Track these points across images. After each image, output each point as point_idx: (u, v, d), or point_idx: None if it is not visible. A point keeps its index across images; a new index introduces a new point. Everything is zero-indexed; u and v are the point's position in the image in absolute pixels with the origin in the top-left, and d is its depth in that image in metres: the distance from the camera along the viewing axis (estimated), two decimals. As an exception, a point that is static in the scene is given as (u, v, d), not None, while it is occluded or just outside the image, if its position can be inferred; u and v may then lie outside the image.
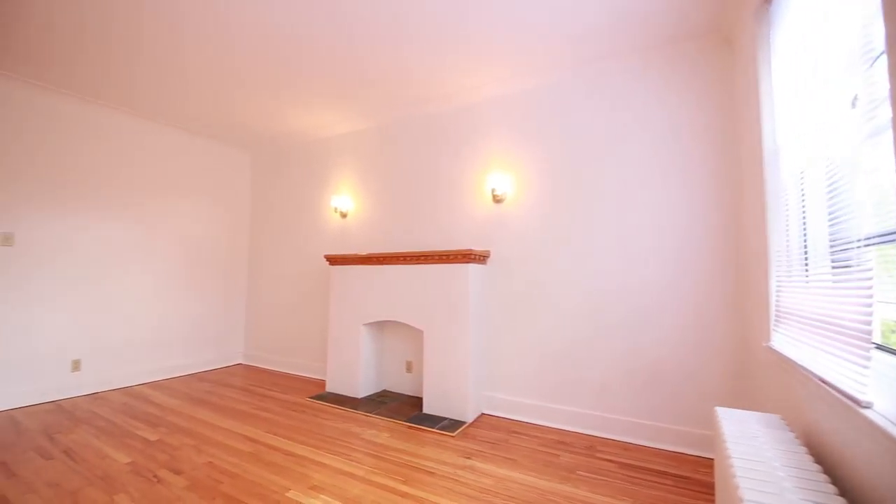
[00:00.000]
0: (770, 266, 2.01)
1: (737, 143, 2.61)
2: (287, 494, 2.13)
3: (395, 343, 4.01)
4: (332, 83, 3.52)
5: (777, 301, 1.97)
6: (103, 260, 4.03)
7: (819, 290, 1.48)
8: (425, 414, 3.31)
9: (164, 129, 4.56)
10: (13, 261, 3.45)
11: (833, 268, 1.42)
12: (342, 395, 3.83)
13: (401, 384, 3.95)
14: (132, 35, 2.84)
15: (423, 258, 3.43)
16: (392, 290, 3.63)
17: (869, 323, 1.09)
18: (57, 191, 3.72)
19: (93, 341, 3.94)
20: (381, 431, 3.00)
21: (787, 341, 1.78)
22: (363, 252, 4.18)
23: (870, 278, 1.11)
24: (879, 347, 1.14)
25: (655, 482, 2.28)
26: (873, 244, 1.11)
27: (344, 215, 4.48)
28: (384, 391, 3.99)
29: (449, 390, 3.25)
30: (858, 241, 1.19)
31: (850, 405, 1.09)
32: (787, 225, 1.85)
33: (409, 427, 3.09)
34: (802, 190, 1.71)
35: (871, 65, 1.09)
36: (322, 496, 2.11)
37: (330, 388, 3.98)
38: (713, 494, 2.13)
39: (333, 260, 4.02)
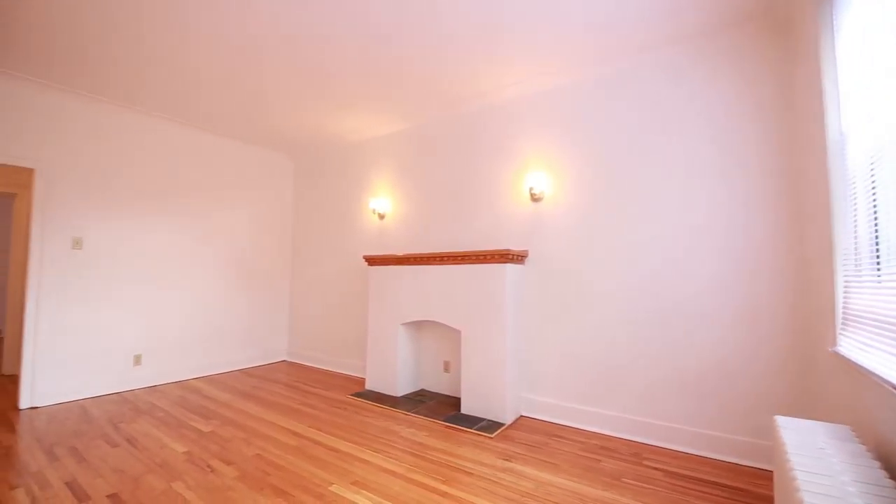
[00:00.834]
0: (836, 265, 1.86)
1: (794, 134, 2.43)
2: (330, 488, 2.19)
3: (433, 343, 4.04)
4: (366, 87, 3.59)
5: (844, 303, 1.82)
6: (161, 263, 4.31)
7: (894, 290, 1.35)
8: (463, 414, 3.31)
9: (216, 138, 4.82)
10: (83, 263, 3.76)
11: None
12: (381, 394, 3.90)
13: (438, 384, 3.97)
14: (193, 60, 3.02)
15: (459, 258, 3.43)
16: (429, 291, 3.65)
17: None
18: (120, 199, 4.02)
19: (152, 338, 4.22)
20: (419, 430, 3.03)
21: (855, 346, 1.64)
22: (400, 253, 4.23)
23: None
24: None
25: (706, 493, 2.17)
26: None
27: (381, 217, 4.56)
28: (422, 390, 4.03)
29: (487, 391, 3.23)
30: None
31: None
32: (856, 220, 1.70)
33: (447, 427, 3.09)
34: (873, 181, 1.57)
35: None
36: (364, 492, 2.16)
37: (369, 385, 4.06)
38: (772, 509, 2.00)
39: (372, 260, 4.10)
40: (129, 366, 4.05)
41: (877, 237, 1.55)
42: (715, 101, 2.71)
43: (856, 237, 1.70)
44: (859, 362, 1.48)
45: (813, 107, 2.08)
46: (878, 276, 1.50)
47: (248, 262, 5.17)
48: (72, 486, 2.20)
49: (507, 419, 3.14)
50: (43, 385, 3.51)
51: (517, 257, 3.29)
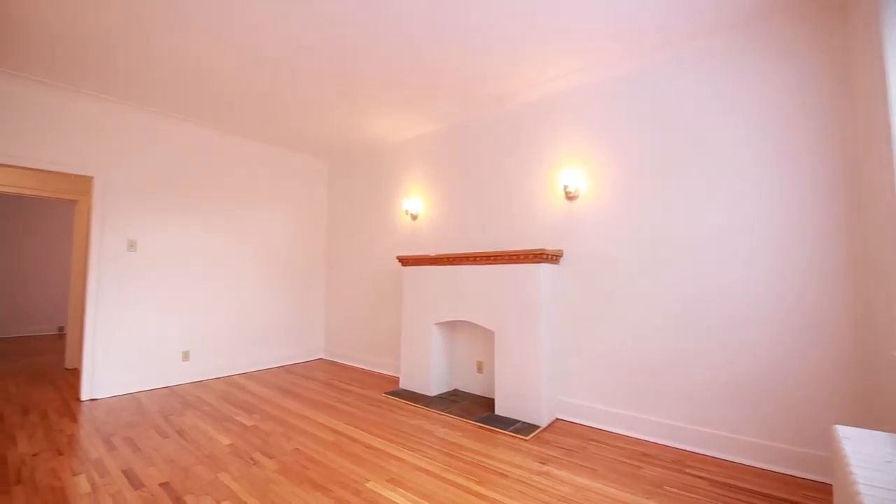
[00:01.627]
0: (902, 264, 1.73)
1: (854, 123, 2.27)
2: (366, 485, 2.23)
3: (466, 343, 4.04)
4: (398, 89, 3.63)
5: (912, 304, 1.69)
6: (205, 263, 4.53)
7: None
8: (497, 415, 3.29)
9: (254, 143, 5.02)
10: (137, 264, 4.01)
11: None
12: (415, 393, 3.93)
13: (471, 384, 3.97)
14: (232, 79, 3.16)
15: (493, 258, 3.41)
16: (462, 291, 3.65)
17: None
18: (169, 204, 4.25)
19: (197, 335, 4.44)
20: (453, 430, 3.03)
21: (927, 352, 1.51)
22: (433, 253, 4.26)
23: None
24: None
25: (756, 504, 2.06)
26: None
27: (414, 217, 4.60)
28: (455, 390, 4.03)
29: (521, 393, 3.20)
30: None
31: None
32: (926, 215, 1.57)
33: (481, 427, 3.08)
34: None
35: None
36: (399, 490, 2.18)
37: (403, 384, 4.11)
38: (830, 524, 1.88)
39: (405, 261, 4.14)
40: (178, 361, 4.27)
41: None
42: (765, 91, 2.57)
43: (926, 234, 1.57)
44: (931, 369, 1.37)
45: (874, 94, 1.93)
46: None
47: (286, 263, 5.34)
48: (128, 473, 2.35)
49: (543, 422, 3.10)
50: (101, 378, 3.76)
51: (552, 257, 3.24)
